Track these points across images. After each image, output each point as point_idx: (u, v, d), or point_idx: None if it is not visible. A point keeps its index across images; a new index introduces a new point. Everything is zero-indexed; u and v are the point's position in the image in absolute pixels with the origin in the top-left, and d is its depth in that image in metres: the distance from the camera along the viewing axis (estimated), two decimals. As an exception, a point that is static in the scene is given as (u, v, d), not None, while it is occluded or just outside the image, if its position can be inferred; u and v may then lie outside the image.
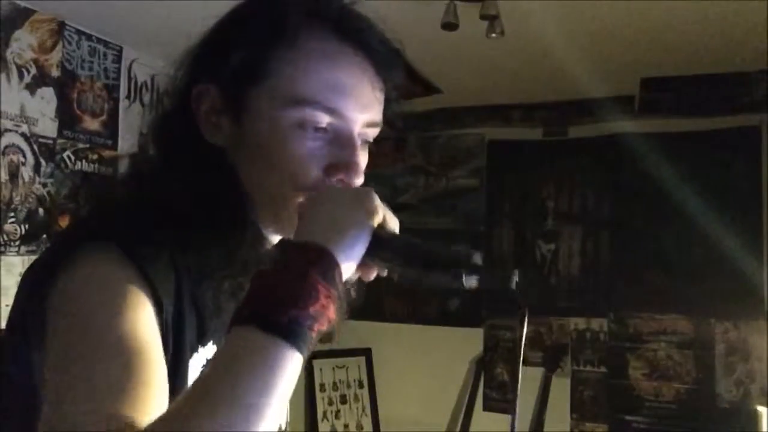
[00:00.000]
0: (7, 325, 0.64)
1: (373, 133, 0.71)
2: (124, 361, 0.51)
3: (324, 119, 0.65)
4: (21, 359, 0.60)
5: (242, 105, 0.67)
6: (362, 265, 0.61)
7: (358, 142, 0.68)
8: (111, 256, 0.58)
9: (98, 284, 0.57)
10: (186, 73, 0.71)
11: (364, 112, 0.68)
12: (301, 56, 0.66)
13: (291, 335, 0.50)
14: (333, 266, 0.55)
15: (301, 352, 0.51)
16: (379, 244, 0.59)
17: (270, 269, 0.55)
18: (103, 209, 0.74)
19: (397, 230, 0.63)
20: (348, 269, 0.57)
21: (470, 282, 0.58)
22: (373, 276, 0.65)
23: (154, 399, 0.51)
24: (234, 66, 0.67)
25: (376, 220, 0.60)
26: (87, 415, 0.48)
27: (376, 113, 0.70)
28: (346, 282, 0.58)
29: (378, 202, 0.61)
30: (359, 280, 0.66)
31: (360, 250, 0.58)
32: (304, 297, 0.52)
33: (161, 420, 0.47)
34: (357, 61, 0.67)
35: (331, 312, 0.53)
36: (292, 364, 0.50)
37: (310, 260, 0.54)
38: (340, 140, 0.67)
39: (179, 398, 0.49)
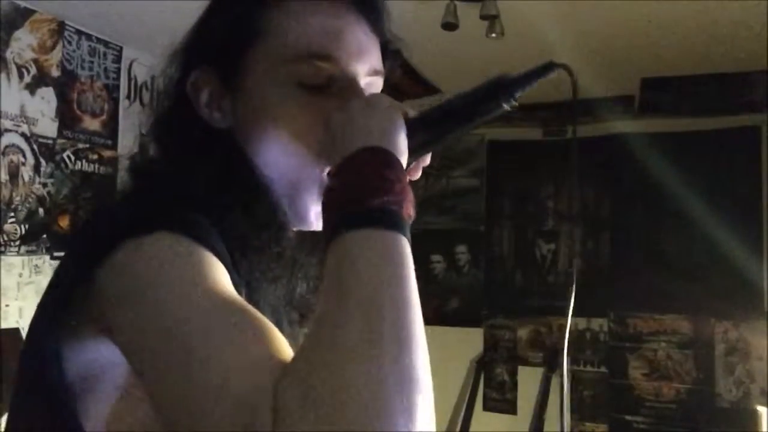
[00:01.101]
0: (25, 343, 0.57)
1: (378, 82, 0.66)
2: (237, 314, 0.46)
3: (321, 71, 0.61)
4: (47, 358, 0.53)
5: (238, 78, 0.63)
6: (410, 159, 0.60)
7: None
8: (168, 238, 0.51)
9: (167, 256, 0.50)
10: (179, 64, 0.67)
11: (362, 59, 0.63)
12: (285, 13, 0.62)
13: (386, 220, 0.49)
14: (393, 159, 0.53)
15: (404, 234, 0.49)
16: (416, 125, 0.60)
17: (330, 185, 0.53)
18: (116, 207, 0.64)
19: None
20: (403, 162, 0.55)
21: (511, 103, 0.63)
22: (419, 173, 0.64)
23: (283, 340, 0.46)
24: (222, 39, 0.63)
25: (401, 110, 0.59)
26: (229, 370, 0.42)
27: (376, 60, 0.66)
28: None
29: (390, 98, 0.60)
30: None
31: (404, 140, 0.57)
32: (379, 187, 0.50)
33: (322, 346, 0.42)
34: (345, 9, 0.64)
35: (409, 196, 0.52)
36: (402, 247, 0.48)
37: (369, 159, 0.52)
38: (345, 92, 0.62)
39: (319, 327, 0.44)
